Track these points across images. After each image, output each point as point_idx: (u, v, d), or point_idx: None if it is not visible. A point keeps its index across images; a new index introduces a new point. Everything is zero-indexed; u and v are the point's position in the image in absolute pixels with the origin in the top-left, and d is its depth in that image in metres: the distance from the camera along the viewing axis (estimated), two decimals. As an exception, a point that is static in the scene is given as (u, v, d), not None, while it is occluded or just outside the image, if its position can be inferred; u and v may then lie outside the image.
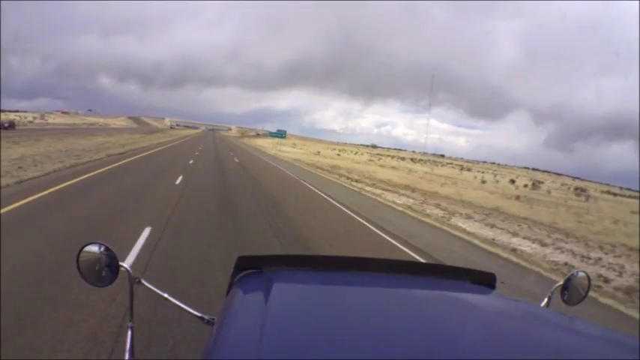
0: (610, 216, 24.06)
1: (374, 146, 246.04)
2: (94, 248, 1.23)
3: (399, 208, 14.35)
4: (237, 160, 27.78)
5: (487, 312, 1.18)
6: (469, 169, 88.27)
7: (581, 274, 1.42)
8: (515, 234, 12.17)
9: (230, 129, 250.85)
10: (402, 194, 19.65)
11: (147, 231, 6.31)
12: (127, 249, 5.24)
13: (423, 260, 6.95)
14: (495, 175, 73.60)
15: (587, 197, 43.25)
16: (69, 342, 2.99)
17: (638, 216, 23.39)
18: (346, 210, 12.06)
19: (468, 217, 14.48)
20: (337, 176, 26.20)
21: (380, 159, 77.42)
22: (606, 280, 7.89)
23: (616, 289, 7.33)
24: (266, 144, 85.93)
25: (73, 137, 32.76)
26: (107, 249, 1.23)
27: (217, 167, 21.50)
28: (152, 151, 28.26)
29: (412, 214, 13.44)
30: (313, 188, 17.01)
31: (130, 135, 50.39)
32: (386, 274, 1.34)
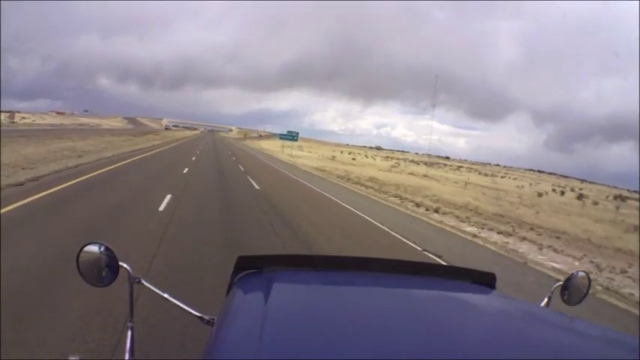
0: None
1: (378, 148, 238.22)
2: (93, 248, 1.22)
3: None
4: (253, 183, 16.28)
5: (487, 312, 1.18)
6: (491, 175, 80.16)
7: (581, 274, 1.40)
8: None
9: (231, 130, 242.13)
10: (540, 242, 11.73)
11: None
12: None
13: None
14: (524, 182, 65.67)
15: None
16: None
17: None
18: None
19: None
20: (396, 199, 18.23)
21: (398, 163, 68.90)
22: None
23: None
24: (271, 146, 77.98)
25: (30, 142, 24.31)
26: (107, 249, 1.22)
27: (220, 198, 11.88)
28: (122, 163, 17.87)
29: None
30: (405, 240, 9.23)
31: (113, 137, 39.82)
32: (386, 274, 1.33)
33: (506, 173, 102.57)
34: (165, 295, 1.29)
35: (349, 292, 1.20)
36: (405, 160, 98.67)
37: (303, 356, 0.77)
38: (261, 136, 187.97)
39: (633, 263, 10.38)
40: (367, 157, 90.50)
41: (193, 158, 26.37)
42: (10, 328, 3.14)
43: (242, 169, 23.71)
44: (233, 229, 7.92)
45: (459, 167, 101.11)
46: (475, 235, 11.34)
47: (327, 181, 23.80)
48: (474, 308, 1.19)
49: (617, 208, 33.07)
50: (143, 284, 1.26)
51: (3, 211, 6.82)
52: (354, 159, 67.58)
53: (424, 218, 13.57)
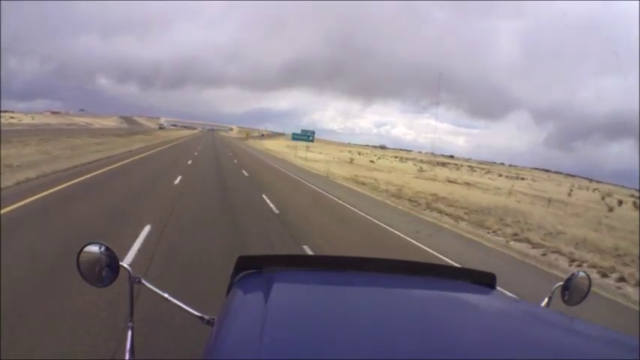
0: None
1: (382, 147, 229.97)
2: (94, 248, 1.23)
3: None
4: (271, 206, 11.02)
5: (487, 312, 1.18)
6: (516, 177, 72.07)
7: (581, 274, 1.41)
8: None
9: (231, 129, 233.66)
10: None
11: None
12: None
13: None
14: (562, 187, 57.82)
15: None
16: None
17: None
18: None
19: None
20: (528, 247, 10.39)
21: (422, 168, 60.22)
22: None
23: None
24: (276, 147, 70.13)
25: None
26: (107, 249, 1.23)
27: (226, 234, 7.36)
28: (42, 194, 9.16)
29: None
30: None
31: (90, 139, 31.60)
32: (386, 274, 1.33)
33: (518, 173, 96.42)
34: (166, 295, 1.28)
35: (349, 292, 1.20)
36: (414, 160, 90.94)
37: (303, 356, 0.76)
38: (263, 135, 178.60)
39: None
40: (381, 158, 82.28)
41: (177, 181, 13.97)
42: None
43: (247, 175, 19.31)
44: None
45: (472, 167, 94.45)
46: None
47: (386, 206, 15.64)
48: (474, 308, 1.18)
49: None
50: (143, 284, 1.26)
51: None
52: (372, 161, 59.45)
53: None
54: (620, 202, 42.11)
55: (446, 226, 12.36)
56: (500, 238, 11.27)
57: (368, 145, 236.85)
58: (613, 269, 8.99)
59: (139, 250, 5.69)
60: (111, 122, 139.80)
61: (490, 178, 58.31)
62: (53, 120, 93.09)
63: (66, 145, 24.02)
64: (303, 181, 20.81)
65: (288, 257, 1.35)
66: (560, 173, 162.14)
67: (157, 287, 1.28)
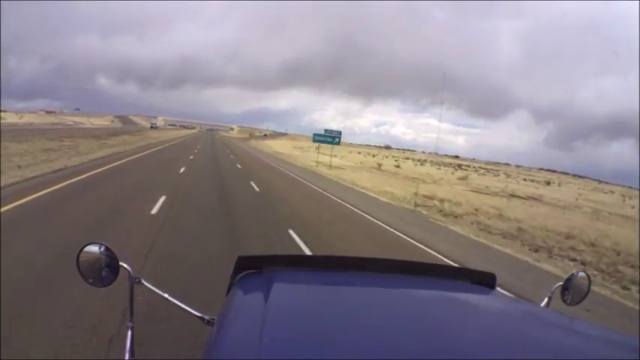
0: None
1: (387, 147, 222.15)
2: (94, 248, 1.23)
3: None
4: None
5: (487, 312, 1.18)
6: (545, 182, 64.53)
7: (581, 274, 1.40)
8: None
9: (232, 129, 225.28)
10: None
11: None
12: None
13: None
14: (607, 196, 50.57)
15: None
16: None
17: None
18: None
19: None
20: None
21: (466, 176, 51.43)
22: None
23: None
24: (284, 148, 62.65)
25: None
26: (107, 249, 1.23)
27: None
28: None
29: None
30: None
31: (50, 143, 23.56)
32: (386, 274, 1.33)
33: (530, 176, 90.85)
34: (166, 295, 1.29)
35: (349, 292, 1.20)
36: (429, 162, 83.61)
37: (303, 356, 0.76)
38: (266, 135, 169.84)
39: None
40: (400, 160, 74.45)
41: (154, 212, 8.40)
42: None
43: (257, 189, 14.11)
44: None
45: (488, 170, 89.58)
46: None
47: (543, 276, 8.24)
48: (474, 308, 1.18)
49: None
50: (143, 284, 1.26)
51: None
52: (397, 166, 51.64)
53: None
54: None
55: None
56: None
57: (370, 145, 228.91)
58: None
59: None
60: (103, 121, 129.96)
61: (528, 185, 50.80)
62: (41, 119, 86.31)
63: (18, 151, 16.46)
64: (350, 208, 13.44)
65: (288, 257, 1.33)
66: (567, 174, 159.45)
67: (156, 287, 1.27)
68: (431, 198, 19.35)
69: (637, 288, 7.99)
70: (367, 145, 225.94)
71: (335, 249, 7.46)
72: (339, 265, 1.34)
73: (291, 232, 8.06)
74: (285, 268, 1.28)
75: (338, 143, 32.80)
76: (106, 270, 1.22)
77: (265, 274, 1.21)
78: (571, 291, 1.37)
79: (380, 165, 44.67)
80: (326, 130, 32.50)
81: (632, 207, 35.61)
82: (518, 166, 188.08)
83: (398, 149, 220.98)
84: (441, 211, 15.61)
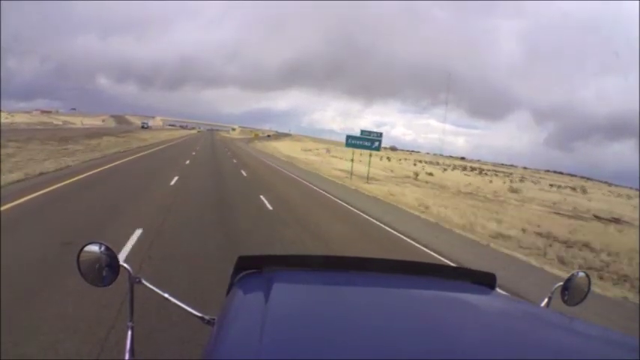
0: None
1: (393, 148, 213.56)
2: (94, 248, 1.23)
3: None
4: None
5: (487, 312, 1.18)
6: (579, 190, 56.79)
7: (581, 274, 1.40)
8: None
9: (233, 129, 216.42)
10: None
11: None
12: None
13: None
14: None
15: None
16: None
17: None
18: None
19: None
20: None
21: (515, 188, 42.78)
22: None
23: None
24: (293, 151, 54.30)
25: None
26: (107, 248, 1.23)
27: None
28: None
29: None
30: None
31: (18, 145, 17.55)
32: (386, 274, 1.33)
33: (545, 179, 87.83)
34: (166, 295, 1.29)
35: (349, 292, 1.20)
36: (446, 165, 76.03)
37: (303, 356, 0.76)
38: (269, 136, 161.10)
39: None
40: (415, 165, 66.42)
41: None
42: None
43: (296, 219, 9.86)
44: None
45: (506, 174, 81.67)
46: None
47: None
48: (474, 308, 1.18)
49: None
50: (143, 284, 1.26)
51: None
52: (430, 174, 43.47)
53: None
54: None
55: None
56: None
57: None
58: None
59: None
60: (97, 121, 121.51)
61: (571, 194, 42.96)
62: (32, 119, 78.83)
63: None
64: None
65: (288, 257, 1.32)
66: (575, 175, 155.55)
67: (157, 287, 1.27)
68: (567, 244, 11.55)
69: None
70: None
71: None
72: (339, 265, 1.34)
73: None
74: (285, 268, 1.28)
75: (378, 149, 24.59)
76: (106, 270, 1.22)
77: (265, 274, 1.20)
78: (571, 291, 1.36)
79: (417, 174, 36.40)
80: (363, 132, 23.61)
81: None
82: (525, 168, 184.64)
83: (403, 150, 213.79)
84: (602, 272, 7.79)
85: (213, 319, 1.14)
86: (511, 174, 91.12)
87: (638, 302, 6.56)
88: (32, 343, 3.20)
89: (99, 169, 15.68)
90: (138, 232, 6.66)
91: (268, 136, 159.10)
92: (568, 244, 12.14)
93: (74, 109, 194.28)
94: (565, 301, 1.36)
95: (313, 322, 0.94)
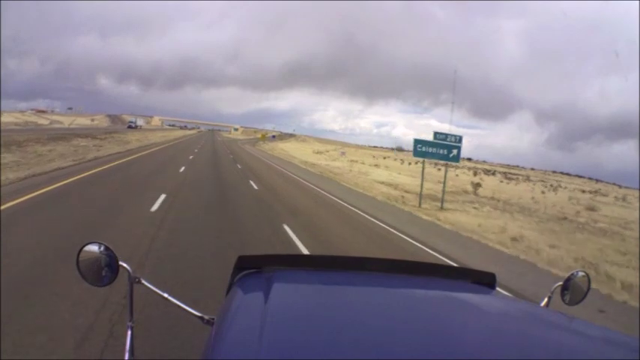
0: None
1: (400, 149, 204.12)
2: (93, 248, 1.21)
3: None
4: None
5: (487, 312, 1.17)
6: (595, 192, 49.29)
7: (581, 274, 1.37)
8: None
9: (236, 129, 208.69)
10: None
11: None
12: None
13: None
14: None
15: None
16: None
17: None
18: None
19: None
20: None
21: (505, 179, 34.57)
22: None
23: None
24: (308, 156, 47.06)
25: None
26: (107, 248, 1.22)
27: None
28: None
29: None
30: None
31: None
32: (386, 274, 1.31)
33: (546, 178, 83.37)
34: (165, 295, 1.27)
35: (349, 292, 1.19)
36: (475, 169, 68.85)
37: (303, 356, 0.76)
38: (274, 136, 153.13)
39: None
40: (440, 170, 58.42)
41: None
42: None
43: None
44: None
45: (526, 177, 76.91)
46: None
47: None
48: (474, 308, 1.17)
49: None
50: (143, 284, 1.25)
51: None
52: (478, 184, 35.56)
53: None
54: None
55: None
56: None
57: (377, 147, 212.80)
58: None
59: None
60: (85, 120, 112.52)
61: (605, 203, 35.24)
62: (13, 119, 72.62)
63: None
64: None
65: (288, 257, 1.31)
66: (582, 177, 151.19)
67: (156, 287, 1.26)
68: None
69: None
70: (374, 147, 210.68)
71: None
72: (339, 264, 1.33)
73: None
74: (285, 267, 1.27)
75: (457, 160, 16.85)
76: (105, 269, 1.21)
77: (265, 273, 1.20)
78: (571, 291, 1.34)
79: (477, 186, 28.14)
80: (437, 135, 15.89)
81: None
82: (532, 169, 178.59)
83: (409, 151, 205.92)
84: None
85: (213, 319, 1.13)
86: (517, 175, 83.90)
87: None
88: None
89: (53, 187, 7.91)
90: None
91: (273, 136, 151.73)
92: None
93: (71, 108, 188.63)
94: (565, 301, 1.34)
95: (313, 322, 0.93)
